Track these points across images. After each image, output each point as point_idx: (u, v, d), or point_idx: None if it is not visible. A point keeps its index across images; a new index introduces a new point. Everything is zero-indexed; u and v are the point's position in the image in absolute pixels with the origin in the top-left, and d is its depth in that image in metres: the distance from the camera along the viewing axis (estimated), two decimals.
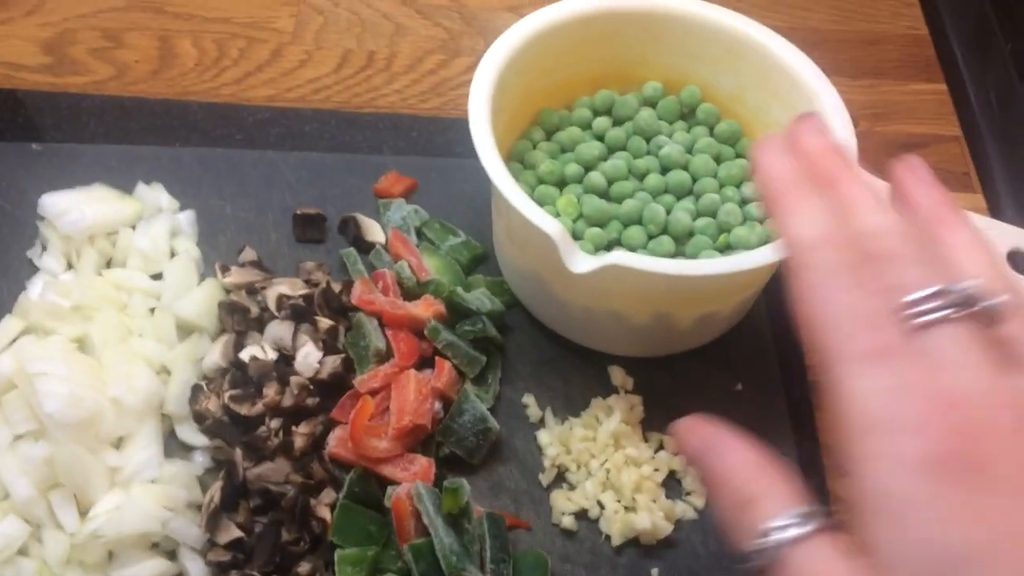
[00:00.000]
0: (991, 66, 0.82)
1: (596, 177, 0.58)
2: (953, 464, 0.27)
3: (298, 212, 0.62)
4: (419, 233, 0.63)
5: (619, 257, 0.49)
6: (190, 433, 0.53)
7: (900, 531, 0.28)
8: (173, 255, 0.60)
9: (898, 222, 0.32)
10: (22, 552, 0.48)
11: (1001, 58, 0.82)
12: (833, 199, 0.33)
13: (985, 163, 0.77)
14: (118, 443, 0.52)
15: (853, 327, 0.30)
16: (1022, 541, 0.27)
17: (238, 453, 0.50)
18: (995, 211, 0.73)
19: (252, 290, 0.58)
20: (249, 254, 0.60)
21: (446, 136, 0.70)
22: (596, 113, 0.62)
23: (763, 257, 0.49)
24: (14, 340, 0.55)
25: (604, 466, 0.54)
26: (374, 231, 0.62)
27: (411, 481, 0.51)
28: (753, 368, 0.60)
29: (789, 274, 0.32)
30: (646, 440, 0.56)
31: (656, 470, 0.55)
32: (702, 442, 0.34)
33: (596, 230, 0.56)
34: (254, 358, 0.53)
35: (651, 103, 0.62)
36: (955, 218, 0.35)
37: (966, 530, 0.27)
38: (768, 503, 0.31)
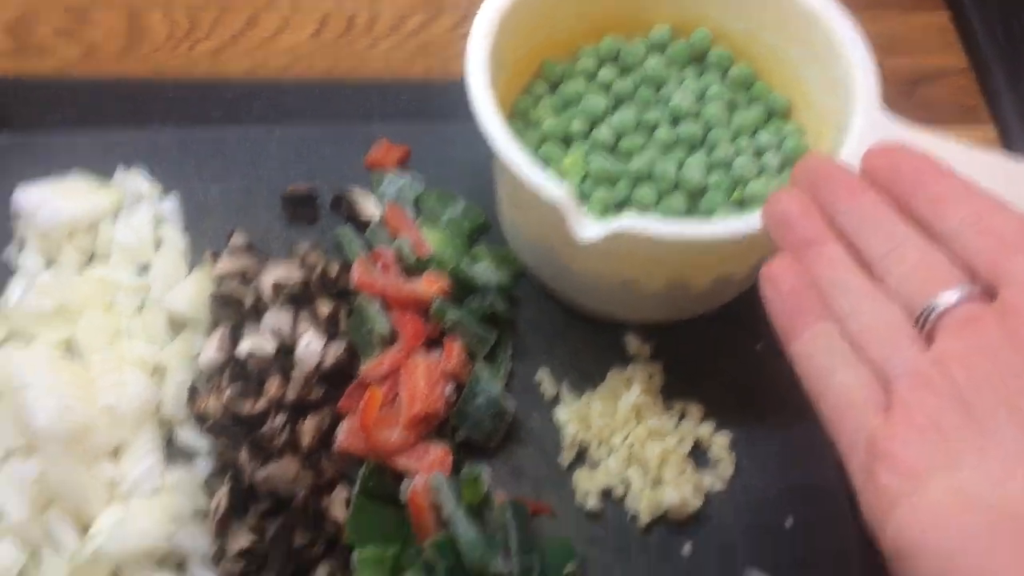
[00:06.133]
0: None
1: (603, 132, 0.55)
2: None
3: (288, 191, 0.59)
4: (416, 204, 0.60)
5: (629, 223, 0.46)
6: (190, 437, 0.50)
7: None
8: (158, 245, 0.56)
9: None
10: None
11: None
12: None
13: (994, 94, 0.74)
14: (114, 453, 0.49)
15: None
16: None
17: (244, 454, 0.47)
18: (1007, 142, 0.71)
19: (245, 277, 0.54)
20: (239, 239, 0.56)
21: (438, 100, 0.67)
22: (602, 62, 0.59)
23: None
24: None
25: (626, 441, 0.52)
26: (369, 206, 0.59)
27: (427, 471, 0.48)
28: (772, 326, 0.57)
29: None
30: (668, 410, 0.54)
31: (681, 440, 0.52)
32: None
33: (604, 190, 0.53)
34: (252, 353, 0.50)
35: (659, 48, 0.59)
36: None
37: None
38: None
